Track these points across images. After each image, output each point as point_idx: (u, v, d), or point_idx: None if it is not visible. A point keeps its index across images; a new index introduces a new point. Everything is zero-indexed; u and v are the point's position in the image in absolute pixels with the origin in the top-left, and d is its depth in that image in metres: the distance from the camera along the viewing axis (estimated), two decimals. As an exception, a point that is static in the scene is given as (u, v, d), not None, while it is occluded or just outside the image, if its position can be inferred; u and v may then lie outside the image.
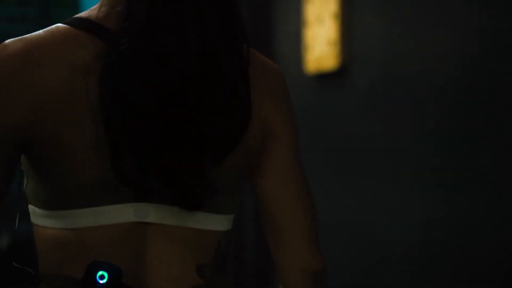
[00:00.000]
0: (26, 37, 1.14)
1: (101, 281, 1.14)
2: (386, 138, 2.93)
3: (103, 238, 1.16)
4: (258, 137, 1.22)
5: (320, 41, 3.26)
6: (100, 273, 1.14)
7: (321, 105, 3.41)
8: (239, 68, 1.16)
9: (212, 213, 1.21)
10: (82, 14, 1.17)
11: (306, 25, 3.39)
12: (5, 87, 1.12)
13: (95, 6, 1.17)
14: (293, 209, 1.25)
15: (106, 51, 1.10)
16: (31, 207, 1.20)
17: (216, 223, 1.22)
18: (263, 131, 1.23)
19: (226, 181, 1.20)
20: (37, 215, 1.19)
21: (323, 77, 3.37)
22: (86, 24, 1.14)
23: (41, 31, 1.16)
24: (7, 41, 1.14)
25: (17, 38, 1.14)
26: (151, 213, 1.17)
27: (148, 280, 1.19)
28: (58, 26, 1.15)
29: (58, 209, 1.16)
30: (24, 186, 1.19)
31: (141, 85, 1.09)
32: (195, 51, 1.11)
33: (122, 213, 1.16)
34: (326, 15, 3.22)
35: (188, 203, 1.15)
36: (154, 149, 1.11)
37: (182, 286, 1.19)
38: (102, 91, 1.09)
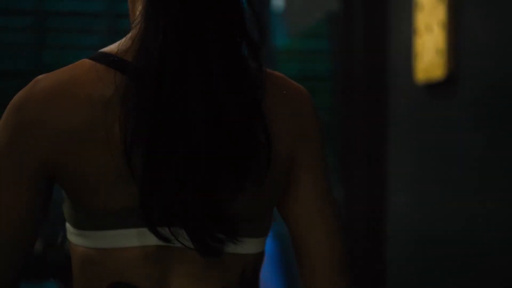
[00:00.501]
0: (52, 74, 1.18)
1: None
2: (497, 149, 2.84)
3: (127, 260, 1.17)
4: (284, 167, 1.23)
5: (429, 49, 3.20)
6: None
7: (430, 115, 3.34)
8: (250, 107, 1.14)
9: (242, 236, 1.20)
10: (107, 48, 1.20)
11: (416, 34, 3.33)
12: (32, 125, 1.16)
13: (121, 40, 1.21)
14: (323, 241, 1.25)
15: (125, 84, 1.12)
16: (66, 225, 1.24)
17: (243, 246, 1.22)
18: (290, 161, 1.24)
19: (251, 211, 1.20)
20: (70, 233, 1.23)
21: (432, 87, 3.30)
22: (108, 57, 1.16)
23: (68, 66, 1.20)
24: (38, 78, 1.19)
25: (45, 74, 1.18)
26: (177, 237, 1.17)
27: None
28: (83, 61, 1.19)
29: (86, 229, 1.19)
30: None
31: (156, 127, 1.11)
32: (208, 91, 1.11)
33: (147, 236, 1.17)
34: (434, 23, 3.15)
35: (208, 251, 1.16)
36: (177, 192, 1.12)
37: None
38: (120, 125, 1.11)
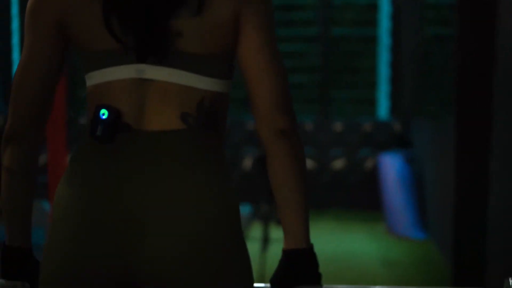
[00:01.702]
0: None
1: (103, 117, 1.59)
2: None
3: (113, 90, 1.63)
4: (227, 16, 1.63)
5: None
6: (102, 111, 1.60)
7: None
8: None
9: (195, 73, 1.62)
10: None
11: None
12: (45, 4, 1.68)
13: None
14: (263, 75, 1.62)
15: None
16: (85, 78, 1.68)
17: (199, 82, 1.62)
18: (235, 15, 1.63)
19: (195, 44, 1.61)
20: (86, 83, 1.67)
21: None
22: None
23: None
24: None
25: None
26: (148, 71, 1.62)
27: (143, 122, 1.62)
28: None
29: (89, 72, 1.66)
30: None
31: None
32: None
33: (126, 71, 1.62)
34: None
35: (156, 49, 1.60)
36: (131, 12, 1.60)
37: (168, 127, 1.61)
38: None
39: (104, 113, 1.60)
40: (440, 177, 6.96)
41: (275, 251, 7.60)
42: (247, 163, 9.69)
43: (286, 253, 1.69)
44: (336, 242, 7.77)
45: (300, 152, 1.65)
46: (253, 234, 7.53)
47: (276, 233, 8.23)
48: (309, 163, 9.74)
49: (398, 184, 8.50)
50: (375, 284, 5.70)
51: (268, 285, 1.74)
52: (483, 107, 4.95)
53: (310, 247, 1.70)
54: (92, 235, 1.60)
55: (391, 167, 8.59)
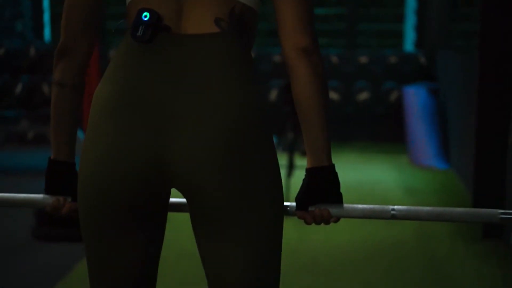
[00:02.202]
0: None
1: (144, 19, 1.73)
2: None
3: None
4: None
5: None
6: (144, 13, 1.74)
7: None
8: None
9: None
10: None
11: None
12: None
13: None
14: (290, 3, 1.75)
15: None
16: None
17: None
18: None
19: None
20: None
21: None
22: None
23: None
24: None
25: None
26: None
27: (181, 25, 1.75)
28: None
29: None
30: None
31: None
32: None
33: None
34: None
35: None
36: None
37: (204, 31, 1.75)
38: None
39: (146, 15, 1.72)
40: (463, 109, 7.03)
41: (299, 176, 7.85)
42: (274, 94, 9.80)
43: (309, 171, 1.79)
44: (359, 171, 7.92)
45: (321, 69, 1.75)
46: (279, 162, 7.70)
47: (300, 162, 8.39)
48: (334, 95, 9.83)
49: (422, 116, 8.53)
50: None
51: (294, 203, 1.83)
52: (508, 40, 5.02)
53: (332, 166, 1.78)
54: (127, 129, 1.71)
55: (415, 98, 8.62)
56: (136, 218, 1.76)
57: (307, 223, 1.81)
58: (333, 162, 8.39)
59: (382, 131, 9.85)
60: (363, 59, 10.02)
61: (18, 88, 9.81)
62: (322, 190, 1.78)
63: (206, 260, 1.78)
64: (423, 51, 10.04)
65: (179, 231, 5.30)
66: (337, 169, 7.96)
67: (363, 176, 7.70)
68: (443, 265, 4.59)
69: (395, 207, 1.79)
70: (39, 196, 1.90)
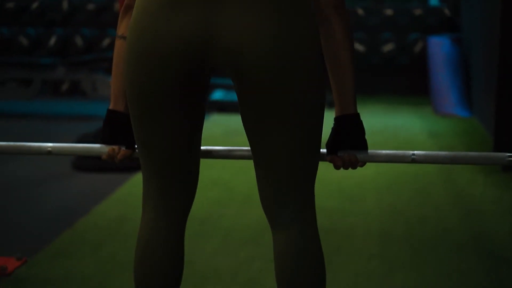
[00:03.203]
0: None
1: None
2: None
3: None
4: None
5: None
6: None
7: None
8: None
9: None
10: None
11: None
12: None
13: None
14: None
15: None
16: None
17: None
18: None
19: None
20: None
21: None
22: None
23: None
24: None
25: None
26: None
27: None
28: None
29: None
30: None
31: None
32: None
33: None
34: None
35: None
36: None
37: None
38: None
39: None
40: (485, 58, 7.14)
41: (328, 124, 7.83)
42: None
43: (337, 119, 1.89)
44: (384, 119, 8.02)
45: (348, 23, 1.85)
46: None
47: (328, 114, 8.49)
48: (360, 47, 9.91)
49: (445, 65, 8.54)
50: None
51: (324, 150, 1.93)
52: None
53: (357, 114, 1.88)
54: (174, 8, 1.71)
55: (439, 48, 8.64)
56: (182, 87, 1.77)
57: (337, 167, 1.90)
58: (359, 111, 8.50)
59: (407, 83, 9.90)
60: (389, 12, 10.07)
61: (52, 41, 10.02)
62: (350, 136, 1.88)
63: (253, 143, 1.82)
64: (448, 3, 10.07)
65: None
66: (362, 117, 8.07)
67: (388, 122, 7.80)
68: (463, 191, 4.83)
69: (415, 152, 1.92)
70: (97, 145, 1.99)
